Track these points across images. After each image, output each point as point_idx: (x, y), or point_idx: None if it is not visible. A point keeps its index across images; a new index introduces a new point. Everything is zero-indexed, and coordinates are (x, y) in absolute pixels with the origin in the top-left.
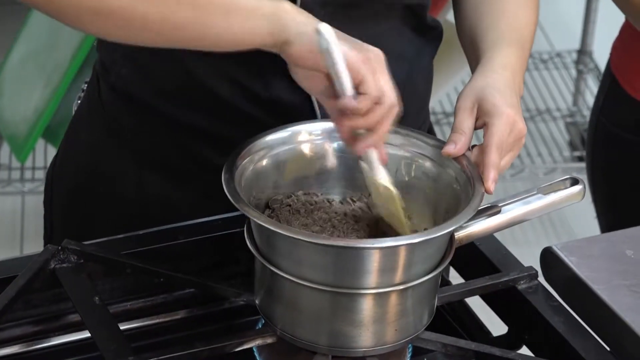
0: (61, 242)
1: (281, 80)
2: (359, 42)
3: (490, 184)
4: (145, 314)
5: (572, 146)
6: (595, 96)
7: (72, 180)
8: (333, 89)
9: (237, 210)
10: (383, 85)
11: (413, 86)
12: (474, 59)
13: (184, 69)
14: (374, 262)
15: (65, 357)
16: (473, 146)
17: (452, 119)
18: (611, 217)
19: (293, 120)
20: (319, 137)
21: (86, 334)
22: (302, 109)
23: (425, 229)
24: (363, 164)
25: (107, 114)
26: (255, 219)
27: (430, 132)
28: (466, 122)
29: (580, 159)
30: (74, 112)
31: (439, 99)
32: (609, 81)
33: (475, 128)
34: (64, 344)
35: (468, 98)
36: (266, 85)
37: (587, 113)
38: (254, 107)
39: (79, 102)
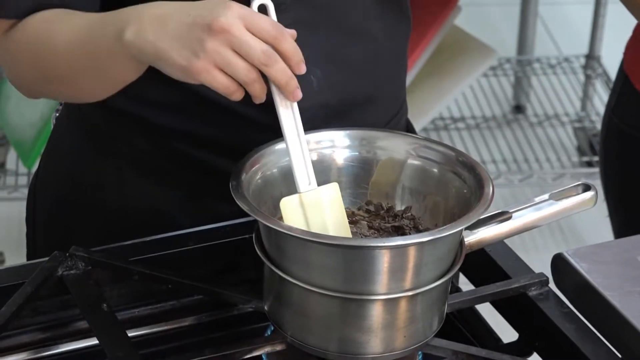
0: (45, 254)
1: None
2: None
3: None
4: (153, 320)
5: (581, 151)
6: (609, 96)
7: (54, 191)
8: None
9: (241, 216)
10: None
11: (382, 68)
12: None
13: (153, 68)
14: (383, 263)
15: None
16: None
17: (459, 125)
18: (623, 217)
19: (270, 108)
20: (327, 147)
21: (94, 341)
22: None
23: None
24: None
25: (86, 122)
26: (263, 221)
27: (409, 127)
28: None
29: (589, 164)
30: (52, 126)
31: (447, 105)
32: (622, 81)
33: None
34: (71, 351)
35: None
36: None
37: (595, 118)
38: (236, 103)
39: (57, 115)
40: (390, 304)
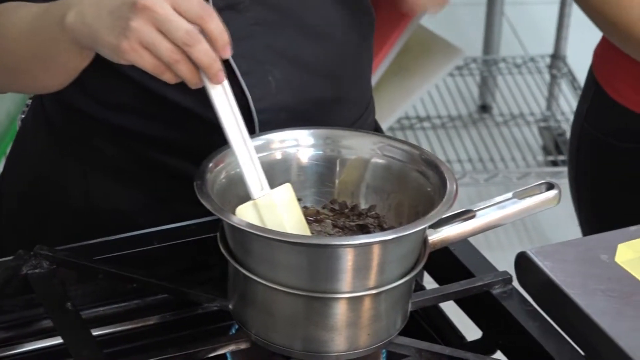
0: (10, 253)
1: None
2: None
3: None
4: (118, 319)
5: (546, 151)
6: (578, 104)
7: (19, 191)
8: None
9: (205, 215)
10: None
11: (344, 69)
12: None
13: (116, 72)
14: (347, 261)
15: None
16: None
17: (425, 124)
18: (596, 226)
19: None
20: (292, 146)
21: (58, 340)
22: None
23: None
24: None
25: (50, 124)
26: (227, 220)
27: (376, 127)
28: None
29: (554, 163)
30: (18, 127)
31: (413, 104)
32: (593, 89)
33: None
34: (35, 350)
35: None
36: None
37: (560, 118)
38: (199, 106)
39: (23, 117)
40: (354, 303)
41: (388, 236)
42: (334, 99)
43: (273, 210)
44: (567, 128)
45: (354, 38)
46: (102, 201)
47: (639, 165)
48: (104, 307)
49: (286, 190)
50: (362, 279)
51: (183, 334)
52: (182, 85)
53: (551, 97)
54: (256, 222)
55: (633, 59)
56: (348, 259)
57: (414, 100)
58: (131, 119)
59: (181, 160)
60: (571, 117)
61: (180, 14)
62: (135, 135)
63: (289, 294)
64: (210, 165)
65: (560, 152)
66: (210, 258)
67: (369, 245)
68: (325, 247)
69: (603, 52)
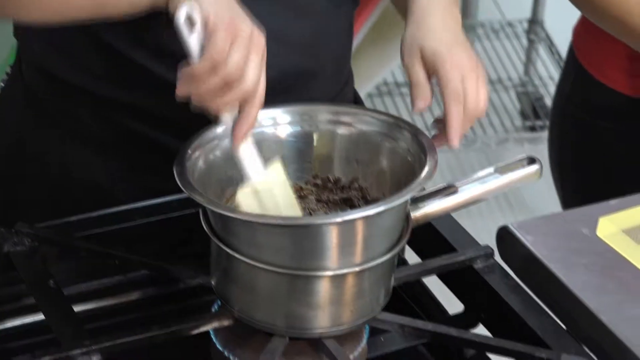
0: None
1: None
2: (244, 15)
3: (455, 140)
4: (100, 295)
5: (524, 115)
6: (558, 83)
7: None
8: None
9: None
10: (244, 63)
11: (326, 44)
12: (402, 7)
13: (96, 40)
14: (329, 239)
15: (20, 339)
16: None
17: (404, 90)
18: (579, 203)
19: None
20: (269, 125)
21: (40, 317)
22: None
23: None
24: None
25: (28, 92)
26: (211, 207)
27: (356, 98)
28: (420, 74)
29: (532, 128)
30: None
31: (391, 70)
32: (575, 68)
33: (430, 79)
34: (18, 327)
35: (410, 51)
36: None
37: (538, 83)
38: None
39: (2, 85)
40: (338, 280)
41: (369, 211)
42: (314, 73)
43: (271, 192)
44: (544, 93)
45: (338, 14)
46: (80, 173)
47: (621, 145)
48: (86, 284)
49: (279, 169)
50: (345, 257)
51: (165, 309)
52: (165, 58)
53: (529, 62)
54: (256, 207)
55: (613, 37)
56: (331, 237)
57: (392, 67)
58: (112, 88)
59: (162, 133)
60: (549, 82)
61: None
62: (116, 106)
63: (273, 272)
64: (189, 150)
65: (538, 117)
66: (192, 234)
67: (351, 221)
68: (308, 227)
69: (582, 30)
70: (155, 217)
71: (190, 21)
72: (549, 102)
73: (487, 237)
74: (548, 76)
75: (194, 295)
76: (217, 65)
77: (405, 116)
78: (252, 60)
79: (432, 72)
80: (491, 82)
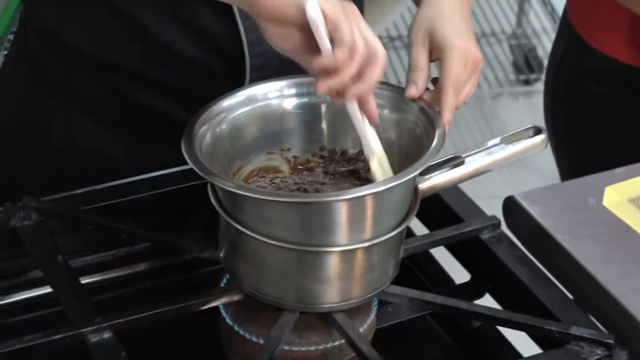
0: None
1: (203, 7)
2: None
3: (446, 126)
4: (107, 267)
5: (516, 67)
6: (552, 46)
7: (2, 132)
8: (309, 45)
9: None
10: (362, 33)
11: None
12: None
13: (109, 5)
14: (340, 215)
15: (27, 312)
16: (434, 79)
17: (397, 43)
18: (575, 167)
19: (219, 50)
20: (276, 97)
21: (46, 290)
22: (228, 37)
23: None
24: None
25: (33, 62)
26: (220, 184)
27: None
28: (421, 57)
29: (526, 82)
30: (0, 63)
31: (393, 21)
32: (568, 32)
33: (430, 61)
34: (24, 300)
35: (418, 31)
36: (194, 17)
37: (531, 34)
38: (197, 52)
39: (5, 53)
40: (348, 255)
41: (380, 187)
42: None
43: (384, 156)
44: (537, 44)
45: None
46: (84, 143)
47: (614, 110)
48: (92, 256)
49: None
50: (355, 232)
51: (171, 279)
52: (175, 27)
53: (521, 13)
54: (385, 172)
55: (610, 3)
56: (341, 214)
57: (387, 23)
58: (118, 55)
59: (167, 102)
60: (542, 34)
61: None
62: (121, 74)
63: (282, 248)
64: (196, 125)
65: (531, 69)
66: (198, 205)
67: (361, 197)
68: (318, 204)
69: None
70: (162, 189)
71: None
72: (541, 53)
73: (480, 188)
74: (541, 28)
75: (200, 266)
76: (354, 49)
77: (397, 69)
78: (366, 30)
79: (435, 55)
80: (484, 34)
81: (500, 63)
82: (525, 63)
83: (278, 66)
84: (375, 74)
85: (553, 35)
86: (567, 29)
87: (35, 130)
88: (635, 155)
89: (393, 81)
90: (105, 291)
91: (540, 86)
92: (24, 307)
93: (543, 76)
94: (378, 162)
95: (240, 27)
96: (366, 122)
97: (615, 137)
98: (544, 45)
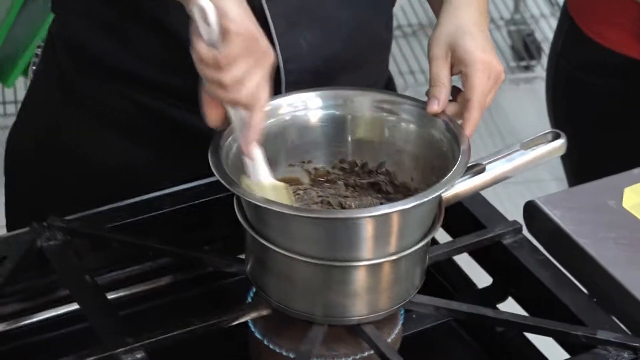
0: (23, 210)
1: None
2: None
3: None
4: (132, 282)
5: (515, 52)
6: (553, 38)
7: (31, 147)
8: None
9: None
10: (244, 77)
11: (370, 34)
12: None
13: (140, 16)
14: (367, 231)
15: (55, 330)
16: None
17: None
18: (576, 158)
19: None
20: (300, 109)
21: (74, 306)
22: None
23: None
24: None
25: (62, 75)
26: (247, 198)
27: (389, 84)
28: (442, 72)
29: (526, 68)
30: (30, 78)
31: (401, 7)
32: (567, 23)
33: (452, 74)
34: (52, 318)
35: (440, 45)
36: None
37: (529, 20)
38: None
39: (35, 68)
40: (375, 269)
41: (407, 205)
42: (356, 65)
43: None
44: (536, 29)
45: (380, 6)
46: (112, 158)
47: (613, 104)
48: (117, 271)
49: (283, 191)
50: (382, 246)
51: (196, 291)
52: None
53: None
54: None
55: None
56: (368, 229)
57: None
58: (146, 67)
59: (194, 114)
60: (540, 19)
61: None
62: (149, 86)
63: (309, 263)
64: (222, 139)
65: (530, 55)
66: (222, 217)
67: (388, 214)
68: (345, 220)
69: None
70: (184, 204)
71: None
72: (540, 37)
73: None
74: (539, 14)
75: (223, 277)
76: (220, 67)
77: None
78: (255, 73)
79: (457, 69)
80: None
81: (500, 49)
82: (524, 48)
83: (310, 80)
84: (254, 121)
85: (551, 21)
86: (566, 22)
87: (66, 144)
88: (635, 146)
89: (404, 68)
90: (131, 305)
91: (540, 72)
92: (52, 324)
93: (542, 61)
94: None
95: (277, 46)
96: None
97: (614, 129)
98: (543, 30)
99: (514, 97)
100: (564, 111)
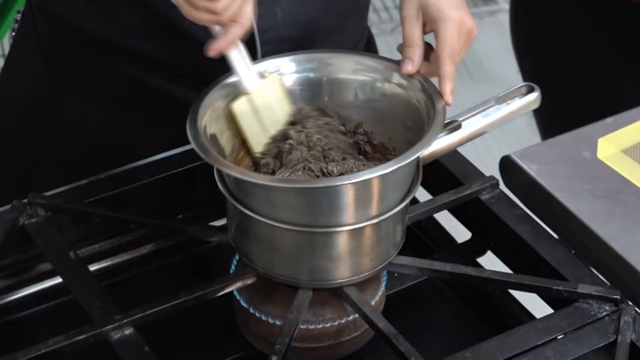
0: (6, 183)
1: None
2: None
3: (449, 96)
4: (115, 252)
5: None
6: None
7: (12, 117)
8: None
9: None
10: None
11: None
12: None
13: None
14: (347, 197)
15: (40, 304)
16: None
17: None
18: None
19: None
20: (275, 74)
21: (58, 279)
22: None
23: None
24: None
25: (43, 45)
26: (229, 171)
27: (370, 44)
28: (415, 31)
29: (490, 0)
30: (9, 45)
31: None
32: None
33: (424, 33)
34: (36, 292)
35: (411, 5)
36: None
37: None
38: (201, 29)
39: (14, 34)
40: (357, 233)
41: (387, 169)
42: (335, 29)
43: (267, 104)
44: None
45: None
46: (98, 129)
47: (572, 35)
48: (100, 243)
49: (276, 83)
50: (363, 210)
51: (177, 258)
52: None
53: None
54: (251, 115)
55: None
56: (349, 195)
57: None
58: (130, 38)
59: (179, 85)
60: None
61: None
62: (133, 57)
63: (291, 230)
64: (200, 110)
65: None
66: (202, 184)
67: (369, 180)
68: (325, 188)
69: None
70: (164, 174)
71: None
72: None
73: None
74: None
75: (205, 241)
76: None
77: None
78: None
79: (430, 28)
80: None
81: None
82: None
83: (287, 49)
84: (233, 32)
85: None
86: None
87: (47, 114)
88: (593, 74)
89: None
90: (115, 274)
91: (503, 4)
92: (37, 299)
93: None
94: (247, 100)
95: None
96: (241, 58)
97: (575, 57)
98: None
99: (478, 30)
100: (525, 42)
